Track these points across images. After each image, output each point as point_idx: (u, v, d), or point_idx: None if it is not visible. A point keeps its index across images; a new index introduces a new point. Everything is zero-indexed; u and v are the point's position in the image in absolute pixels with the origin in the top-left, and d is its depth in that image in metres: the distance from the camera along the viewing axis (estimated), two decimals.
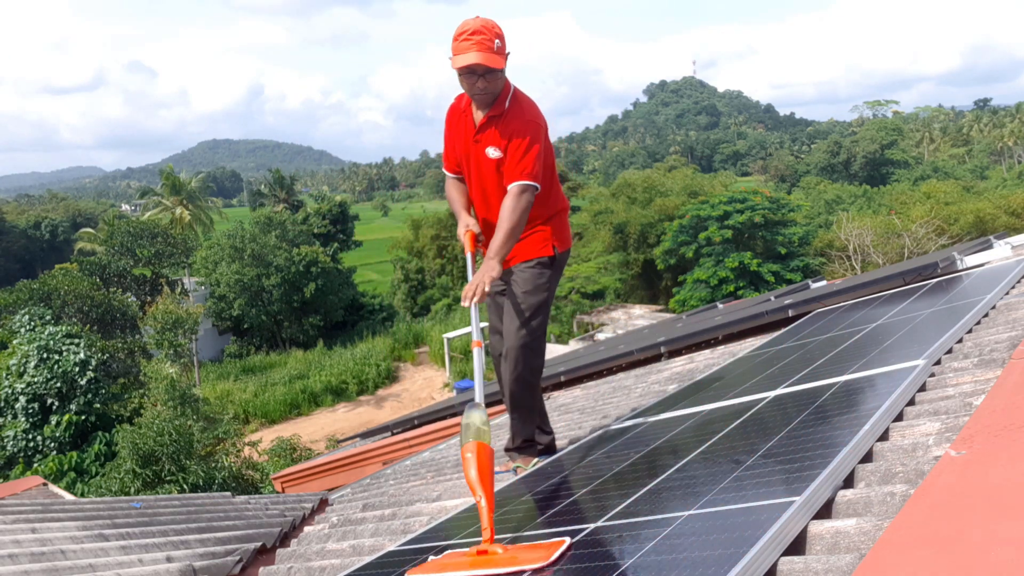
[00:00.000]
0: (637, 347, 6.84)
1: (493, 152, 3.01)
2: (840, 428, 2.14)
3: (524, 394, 3.16)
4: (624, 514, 2.00)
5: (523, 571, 1.88)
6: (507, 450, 3.34)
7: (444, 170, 3.29)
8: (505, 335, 3.13)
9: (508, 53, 2.94)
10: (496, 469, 3.04)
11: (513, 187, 2.90)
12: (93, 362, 17.73)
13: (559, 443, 3.64)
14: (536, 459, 3.24)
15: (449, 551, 2.22)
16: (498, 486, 2.99)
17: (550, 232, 3.14)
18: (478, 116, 3.05)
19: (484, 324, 3.28)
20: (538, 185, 2.94)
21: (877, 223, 29.24)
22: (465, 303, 2.81)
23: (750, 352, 4.49)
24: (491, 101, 2.99)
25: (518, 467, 3.21)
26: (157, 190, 48.74)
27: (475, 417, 2.38)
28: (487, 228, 3.15)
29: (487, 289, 2.79)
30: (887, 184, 53.29)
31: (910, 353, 2.88)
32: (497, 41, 2.87)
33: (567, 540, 1.96)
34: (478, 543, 2.08)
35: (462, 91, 3.08)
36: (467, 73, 2.88)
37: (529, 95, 3.11)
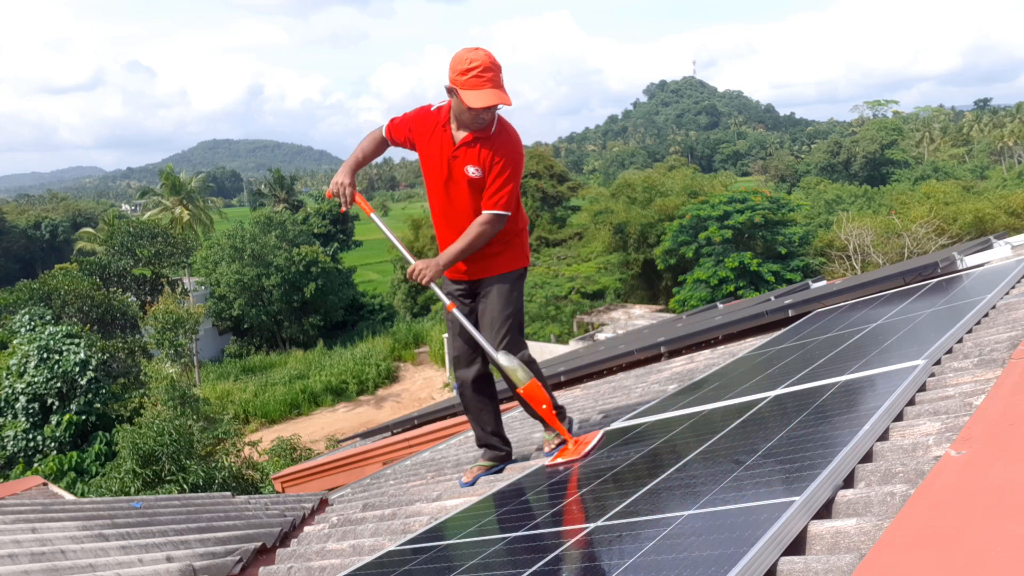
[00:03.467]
0: (637, 347, 6.84)
1: (473, 171, 3.11)
2: (840, 428, 2.14)
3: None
4: (624, 514, 2.00)
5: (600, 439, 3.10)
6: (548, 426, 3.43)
7: (383, 130, 3.36)
8: (487, 346, 3.23)
9: None
10: (464, 479, 3.42)
11: (487, 214, 3.12)
12: (93, 362, 17.73)
13: None
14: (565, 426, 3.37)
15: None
16: (498, 485, 3.00)
17: (520, 248, 3.32)
18: (459, 135, 3.13)
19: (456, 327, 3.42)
20: (509, 214, 3.15)
21: (877, 223, 29.23)
22: (423, 282, 3.17)
23: (750, 352, 4.49)
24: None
25: (556, 436, 3.34)
26: (157, 190, 48.67)
27: (513, 360, 3.10)
28: (443, 239, 3.31)
29: (425, 282, 3.16)
30: (887, 184, 53.25)
31: (910, 353, 2.88)
32: (502, 75, 3.00)
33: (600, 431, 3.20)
34: (479, 542, 2.09)
35: (439, 104, 3.18)
36: (480, 110, 2.97)
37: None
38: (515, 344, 3.24)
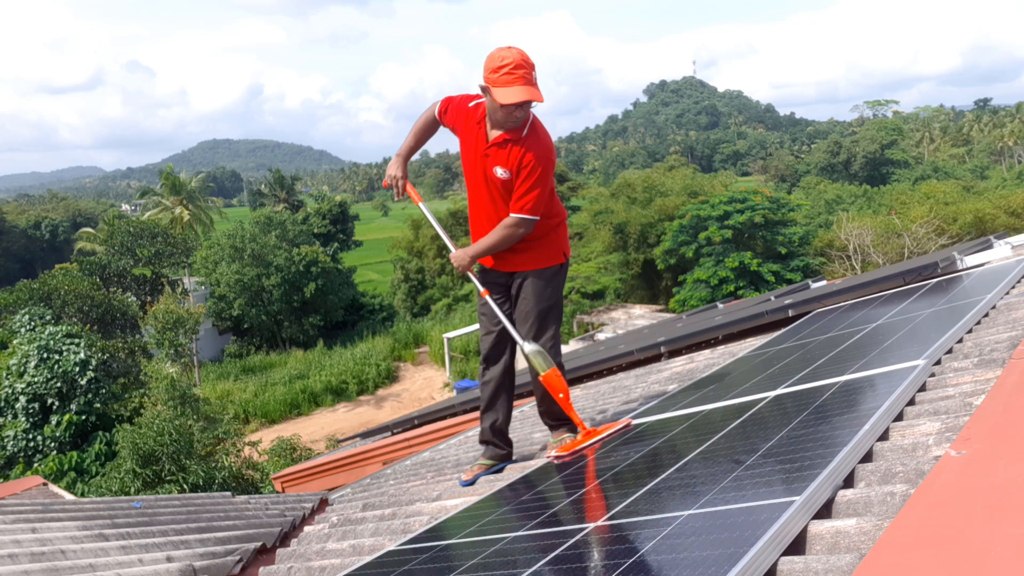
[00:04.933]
0: (637, 347, 6.84)
1: (502, 172, 3.13)
2: (840, 428, 2.14)
3: (547, 392, 3.35)
4: (624, 514, 2.00)
5: (619, 429, 3.19)
6: (552, 428, 3.51)
7: (436, 110, 3.37)
8: (514, 335, 3.30)
9: None
10: (465, 477, 3.43)
11: (513, 218, 3.12)
12: (93, 362, 17.72)
13: None
14: (571, 435, 3.42)
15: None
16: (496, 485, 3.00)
17: (557, 241, 3.31)
18: (492, 134, 3.14)
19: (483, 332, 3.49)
20: (537, 219, 3.14)
21: (877, 223, 29.21)
22: (460, 270, 3.29)
23: (750, 352, 4.49)
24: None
25: (563, 440, 3.40)
26: (157, 190, 48.65)
27: (537, 348, 3.16)
28: (473, 232, 3.34)
29: (461, 272, 3.30)
30: (887, 184, 53.21)
31: (910, 353, 2.88)
32: (534, 73, 3.00)
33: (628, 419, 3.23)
34: (479, 541, 2.09)
35: (476, 101, 3.19)
36: (512, 107, 2.96)
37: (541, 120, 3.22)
38: (553, 344, 3.31)
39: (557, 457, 3.05)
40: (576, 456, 2.99)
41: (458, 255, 3.30)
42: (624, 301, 33.20)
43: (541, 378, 3.17)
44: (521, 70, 2.95)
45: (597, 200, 39.62)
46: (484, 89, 3.03)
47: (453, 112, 3.31)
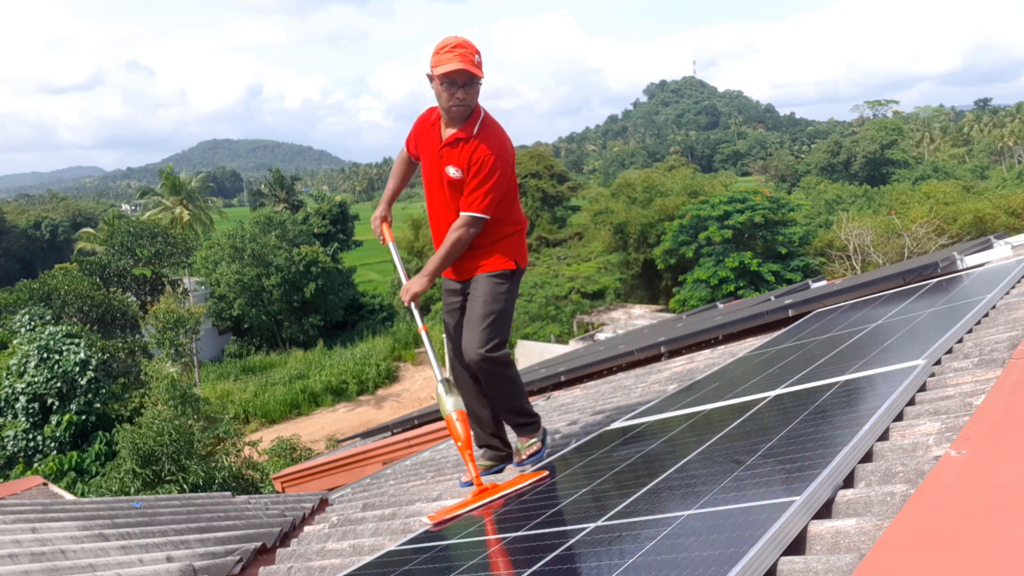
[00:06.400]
0: (637, 347, 6.84)
1: (454, 172, 3.12)
2: (840, 428, 2.14)
3: (500, 391, 3.27)
4: (624, 514, 2.00)
5: (526, 487, 2.71)
6: (520, 434, 3.43)
7: (404, 146, 3.45)
8: (465, 343, 3.19)
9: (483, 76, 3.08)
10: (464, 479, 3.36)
11: (464, 216, 3.10)
12: (93, 362, 17.73)
13: (560, 442, 3.66)
14: (538, 438, 3.32)
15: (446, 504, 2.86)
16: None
17: (511, 248, 3.28)
18: (446, 132, 3.15)
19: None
20: (487, 217, 3.10)
21: (877, 223, 29.21)
22: (406, 301, 3.23)
23: (750, 352, 4.49)
24: (465, 116, 3.09)
25: (531, 444, 3.30)
26: (157, 190, 48.63)
27: (447, 390, 3.09)
28: (435, 238, 3.31)
29: (409, 299, 3.21)
30: (887, 184, 53.18)
31: (910, 353, 2.88)
32: (477, 56, 3.01)
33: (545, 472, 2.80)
34: (479, 541, 2.08)
35: (433, 105, 3.20)
36: (448, 82, 2.99)
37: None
38: (495, 345, 3.15)
39: (436, 523, 2.67)
40: (455, 517, 2.65)
41: (406, 286, 3.22)
42: (624, 301, 33.19)
43: (444, 419, 3.08)
44: (461, 49, 2.98)
45: (597, 200, 39.61)
46: (430, 77, 3.06)
47: (414, 130, 3.32)
